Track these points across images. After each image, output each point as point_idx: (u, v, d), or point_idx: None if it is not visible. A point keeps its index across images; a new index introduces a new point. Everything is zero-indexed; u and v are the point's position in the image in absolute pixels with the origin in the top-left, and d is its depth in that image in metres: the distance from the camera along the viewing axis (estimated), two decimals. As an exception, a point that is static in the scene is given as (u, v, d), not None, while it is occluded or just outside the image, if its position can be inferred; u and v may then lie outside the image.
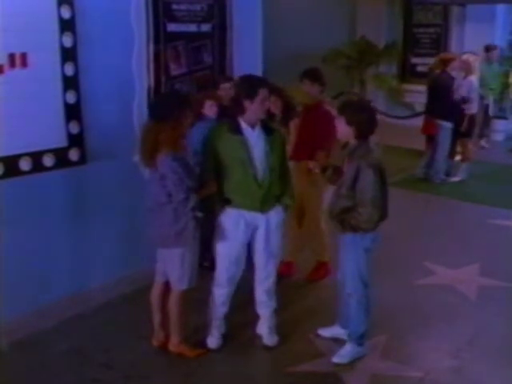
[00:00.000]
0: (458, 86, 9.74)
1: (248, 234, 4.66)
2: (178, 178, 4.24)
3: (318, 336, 5.05)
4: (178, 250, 4.44)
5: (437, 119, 9.61)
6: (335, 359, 4.71)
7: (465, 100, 9.76)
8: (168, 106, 4.39)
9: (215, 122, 5.34)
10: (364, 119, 4.40)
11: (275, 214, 4.71)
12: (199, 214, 4.38)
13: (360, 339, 4.75)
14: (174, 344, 4.71)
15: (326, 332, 5.06)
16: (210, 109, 5.60)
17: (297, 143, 5.85)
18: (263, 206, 4.61)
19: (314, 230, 6.03)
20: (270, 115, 5.90)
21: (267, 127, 4.63)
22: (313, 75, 5.89)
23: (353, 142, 4.44)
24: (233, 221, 4.61)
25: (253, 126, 4.54)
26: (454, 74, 9.43)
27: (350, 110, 4.44)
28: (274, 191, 4.66)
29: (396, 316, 5.38)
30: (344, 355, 4.72)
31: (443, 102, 9.44)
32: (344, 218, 4.43)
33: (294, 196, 4.92)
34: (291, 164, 5.80)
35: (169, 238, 4.41)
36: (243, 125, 4.52)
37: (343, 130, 4.44)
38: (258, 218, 4.63)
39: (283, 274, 5.84)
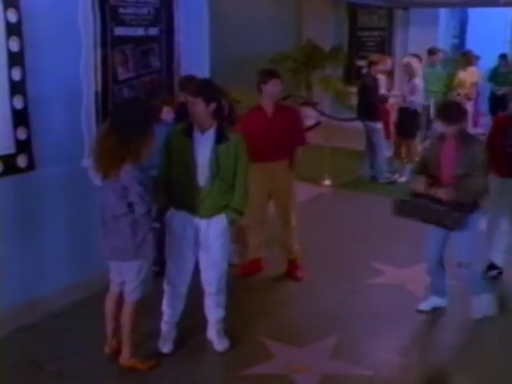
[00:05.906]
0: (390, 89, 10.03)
1: (195, 235, 4.66)
2: (144, 189, 4.14)
3: (420, 312, 5.48)
4: (137, 263, 4.36)
5: (365, 121, 9.80)
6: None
7: (384, 98, 10.03)
8: (138, 118, 4.26)
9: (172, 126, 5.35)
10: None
11: (217, 223, 4.64)
12: (156, 225, 4.35)
13: None
14: (125, 358, 4.60)
15: (426, 305, 5.54)
16: (167, 114, 5.73)
17: (270, 143, 5.83)
18: (202, 213, 4.58)
19: (286, 222, 6.16)
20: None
21: (221, 135, 4.53)
22: (279, 76, 5.94)
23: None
24: (179, 221, 4.62)
25: (202, 131, 4.52)
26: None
27: (461, 112, 5.12)
28: (217, 200, 4.58)
29: (346, 316, 5.46)
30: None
31: (367, 103, 9.64)
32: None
33: (243, 211, 4.75)
34: (260, 165, 5.72)
35: (127, 251, 4.30)
36: (195, 128, 4.53)
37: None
38: (199, 223, 4.63)
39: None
